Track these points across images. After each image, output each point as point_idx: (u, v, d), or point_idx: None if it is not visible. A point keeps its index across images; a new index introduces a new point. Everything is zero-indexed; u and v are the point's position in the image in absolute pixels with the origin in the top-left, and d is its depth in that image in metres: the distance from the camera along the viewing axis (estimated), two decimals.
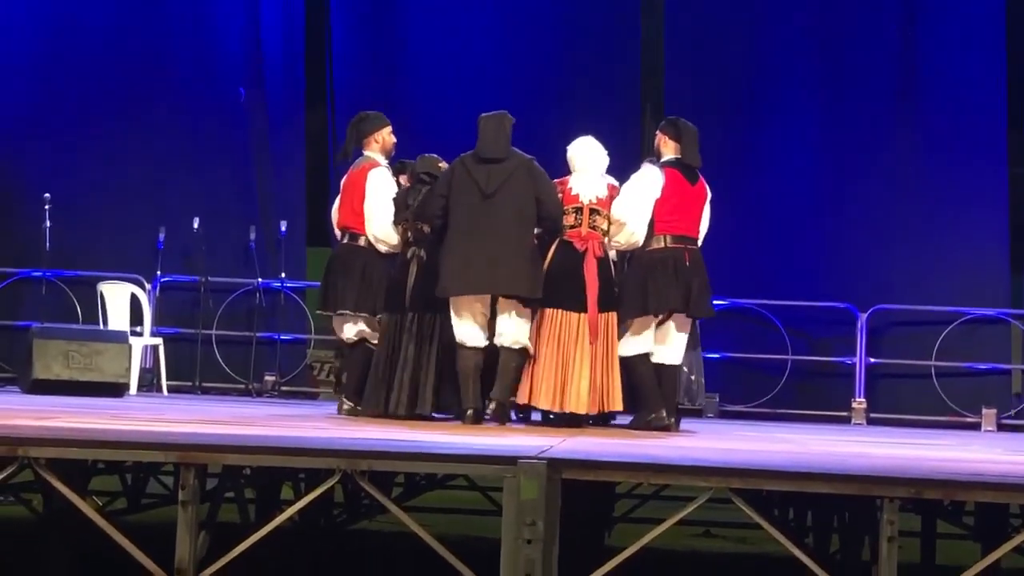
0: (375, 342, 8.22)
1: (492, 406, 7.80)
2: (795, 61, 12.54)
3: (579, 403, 7.71)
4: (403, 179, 8.35)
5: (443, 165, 8.14)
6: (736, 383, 12.13)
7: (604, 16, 12.68)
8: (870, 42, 12.48)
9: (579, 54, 12.67)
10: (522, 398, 7.88)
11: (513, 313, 7.81)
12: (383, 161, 8.47)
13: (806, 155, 12.48)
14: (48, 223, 11.49)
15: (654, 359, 7.97)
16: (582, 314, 7.76)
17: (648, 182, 7.99)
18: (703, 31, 12.68)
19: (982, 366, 12.10)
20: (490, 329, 7.88)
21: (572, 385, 7.70)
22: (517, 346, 7.79)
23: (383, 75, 12.76)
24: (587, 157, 8.03)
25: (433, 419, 7.97)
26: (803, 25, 12.57)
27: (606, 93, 12.54)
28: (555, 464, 4.97)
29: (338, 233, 8.58)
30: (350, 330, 8.33)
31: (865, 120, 12.42)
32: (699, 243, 8.11)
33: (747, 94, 12.55)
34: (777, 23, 12.58)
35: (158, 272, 12.07)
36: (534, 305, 7.83)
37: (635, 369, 7.91)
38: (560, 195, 7.91)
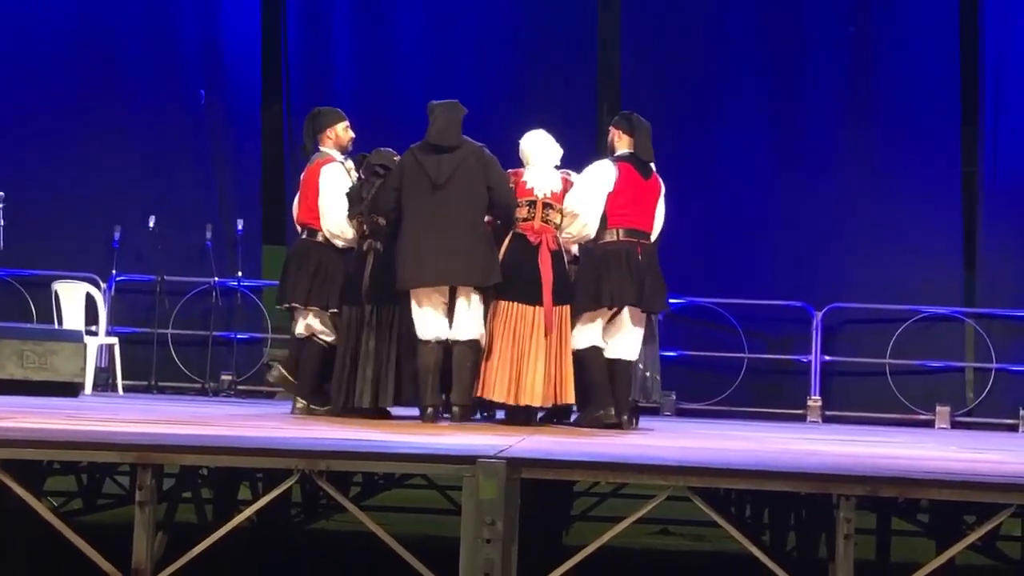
0: (326, 338, 8.22)
1: (455, 410, 7.78)
2: (751, 60, 12.61)
3: (533, 396, 7.73)
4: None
5: (397, 159, 8.13)
6: (693, 381, 12.18)
7: (561, 14, 12.71)
8: (825, 41, 12.57)
9: (536, 51, 12.70)
10: (479, 391, 7.87)
11: (470, 303, 7.82)
12: (338, 156, 8.43)
13: (762, 154, 12.55)
14: (2, 221, 11.38)
15: (609, 354, 7.98)
16: (536, 307, 7.79)
17: (600, 175, 8.02)
18: (660, 29, 12.73)
19: (936, 364, 12.20)
20: (450, 319, 7.88)
21: (527, 378, 7.72)
22: (470, 338, 7.79)
23: (339, 72, 12.75)
24: (540, 151, 8.07)
25: (388, 415, 7.98)
26: (759, 25, 12.64)
27: (563, 90, 12.58)
28: (514, 463, 4.97)
29: (298, 229, 8.58)
30: (299, 325, 8.32)
31: (820, 120, 12.52)
32: (653, 238, 8.14)
33: (703, 93, 12.60)
34: (733, 23, 12.64)
35: (113, 271, 12.01)
36: (491, 294, 7.85)
37: (586, 363, 7.92)
38: (514, 187, 7.93)
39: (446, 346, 7.82)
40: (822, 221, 12.39)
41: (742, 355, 12.22)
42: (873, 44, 12.54)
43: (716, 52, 12.64)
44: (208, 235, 12.07)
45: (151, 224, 11.85)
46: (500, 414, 8.26)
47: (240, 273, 12.10)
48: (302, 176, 8.53)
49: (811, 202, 12.43)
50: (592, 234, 7.98)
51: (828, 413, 11.99)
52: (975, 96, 12.56)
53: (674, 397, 11.86)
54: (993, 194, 12.38)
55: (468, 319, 7.81)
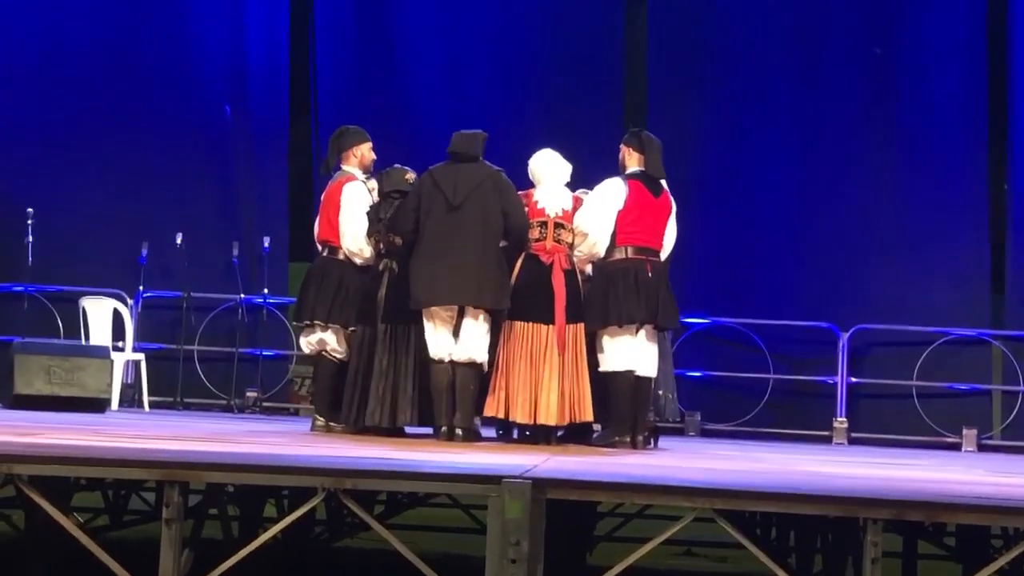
0: (336, 355, 8.25)
1: (459, 433, 7.76)
2: (778, 79, 12.59)
3: (549, 415, 7.76)
4: None
5: (410, 176, 8.18)
6: (717, 402, 12.15)
7: (587, 27, 12.71)
8: (851, 61, 12.54)
9: (562, 69, 12.69)
10: (495, 411, 7.87)
11: (476, 325, 7.84)
12: (360, 175, 8.50)
13: (788, 173, 12.52)
14: (31, 237, 11.47)
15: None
16: (550, 326, 7.81)
17: (610, 193, 8.03)
18: (686, 46, 12.72)
19: (963, 386, 12.13)
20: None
21: (543, 397, 7.74)
22: (471, 360, 7.81)
23: (367, 87, 12.77)
24: (549, 170, 8.11)
25: (403, 432, 7.98)
26: (785, 45, 12.62)
27: (588, 105, 12.56)
28: (540, 483, 4.96)
29: (319, 247, 8.63)
30: (312, 340, 8.36)
31: (847, 139, 12.48)
32: (663, 256, 8.14)
33: (729, 110, 12.58)
34: (760, 42, 12.62)
35: (140, 287, 12.05)
36: (501, 317, 7.86)
37: (613, 385, 7.92)
38: (526, 208, 7.95)
39: (454, 365, 7.84)
40: (849, 241, 12.35)
41: (767, 376, 12.18)
42: (899, 63, 12.50)
43: (742, 69, 12.62)
44: (235, 252, 12.11)
45: (178, 241, 11.89)
46: (515, 433, 8.27)
47: (266, 290, 12.13)
48: (324, 194, 8.61)
49: (838, 222, 12.38)
50: (602, 252, 7.99)
51: (854, 435, 11.93)
52: (1003, 115, 12.50)
53: (699, 418, 11.84)
54: (1022, 215, 12.31)
55: (472, 340, 7.82)
